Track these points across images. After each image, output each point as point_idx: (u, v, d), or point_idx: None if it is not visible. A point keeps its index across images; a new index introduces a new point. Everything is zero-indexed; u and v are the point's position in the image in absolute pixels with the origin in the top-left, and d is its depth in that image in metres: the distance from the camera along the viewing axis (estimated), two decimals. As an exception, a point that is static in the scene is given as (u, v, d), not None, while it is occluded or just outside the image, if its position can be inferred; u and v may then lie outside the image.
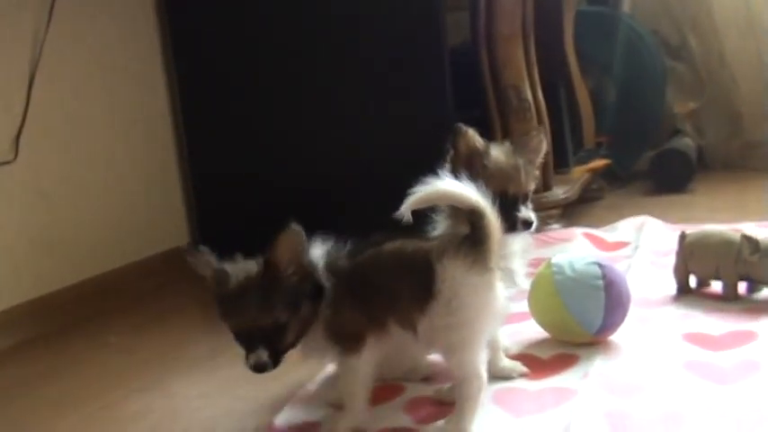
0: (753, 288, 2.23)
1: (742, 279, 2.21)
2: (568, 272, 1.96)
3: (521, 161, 1.90)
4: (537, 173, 1.97)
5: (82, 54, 2.99)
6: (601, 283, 1.94)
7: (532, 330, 2.06)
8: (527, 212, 1.89)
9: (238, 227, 3.30)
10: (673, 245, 2.61)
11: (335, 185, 3.11)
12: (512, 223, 1.87)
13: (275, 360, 1.53)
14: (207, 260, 1.58)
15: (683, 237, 2.32)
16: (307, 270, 1.55)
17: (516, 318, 2.15)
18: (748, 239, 2.14)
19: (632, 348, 1.94)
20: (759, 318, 2.05)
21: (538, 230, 3.01)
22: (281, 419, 1.75)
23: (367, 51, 3.09)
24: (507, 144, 1.94)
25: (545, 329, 2.04)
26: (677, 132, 4.46)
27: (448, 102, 3.01)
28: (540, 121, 3.19)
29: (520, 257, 1.93)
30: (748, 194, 3.77)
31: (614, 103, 4.37)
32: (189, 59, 3.34)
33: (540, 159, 1.97)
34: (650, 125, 4.44)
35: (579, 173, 3.68)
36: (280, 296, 1.52)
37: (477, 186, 1.72)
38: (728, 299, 2.20)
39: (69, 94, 2.93)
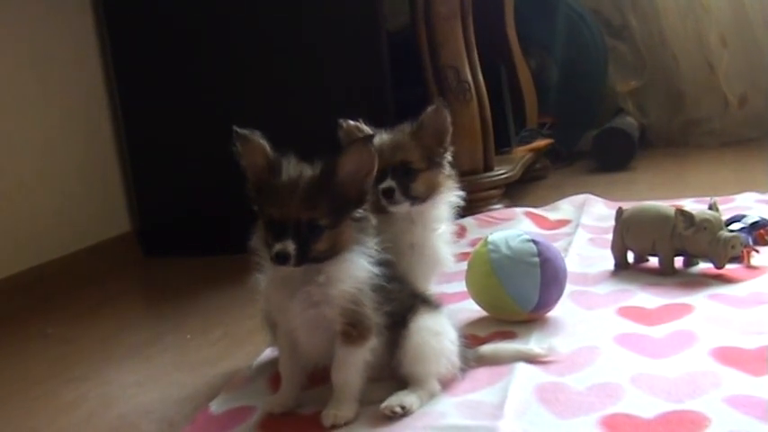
0: (689, 262, 2.25)
1: (678, 253, 2.22)
2: (504, 250, 1.96)
3: (398, 135, 1.89)
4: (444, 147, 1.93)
5: (14, 44, 2.92)
6: (536, 260, 1.94)
7: (470, 310, 2.06)
8: (387, 181, 1.85)
9: (180, 213, 3.27)
10: (612, 222, 2.64)
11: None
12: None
13: (299, 258, 1.45)
14: (260, 145, 1.51)
15: (619, 213, 2.33)
16: (363, 194, 1.52)
17: (455, 297, 2.16)
18: (683, 214, 2.16)
19: (567, 324, 1.94)
20: (694, 291, 2.07)
21: (480, 210, 3.07)
22: (217, 405, 1.72)
23: (305, 32, 3.06)
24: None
25: (482, 308, 2.04)
26: (619, 111, 4.50)
27: (386, 81, 2.99)
28: (479, 102, 3.18)
29: (443, 234, 1.96)
30: (688, 171, 3.81)
31: (556, 83, 4.40)
32: (126, 45, 3.28)
33: (447, 133, 1.93)
34: (592, 104, 4.48)
35: (522, 152, 3.70)
36: (327, 199, 1.47)
37: None
38: (665, 273, 2.22)
39: (2, 83, 2.85)
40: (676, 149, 4.36)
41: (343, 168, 1.49)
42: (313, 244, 1.47)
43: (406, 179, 1.86)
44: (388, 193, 1.84)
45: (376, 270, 1.55)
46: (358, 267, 1.53)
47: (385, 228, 1.72)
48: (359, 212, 1.53)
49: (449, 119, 1.91)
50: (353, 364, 1.55)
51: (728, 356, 1.65)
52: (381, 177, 1.82)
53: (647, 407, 1.48)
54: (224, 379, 1.86)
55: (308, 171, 1.51)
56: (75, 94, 3.19)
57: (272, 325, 1.73)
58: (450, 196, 1.95)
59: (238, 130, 1.52)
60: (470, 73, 3.18)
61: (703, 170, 3.78)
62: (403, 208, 1.87)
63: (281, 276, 1.53)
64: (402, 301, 1.61)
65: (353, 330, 1.53)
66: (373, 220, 1.59)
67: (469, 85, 3.15)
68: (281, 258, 1.45)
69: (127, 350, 2.20)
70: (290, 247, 1.45)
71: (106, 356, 2.17)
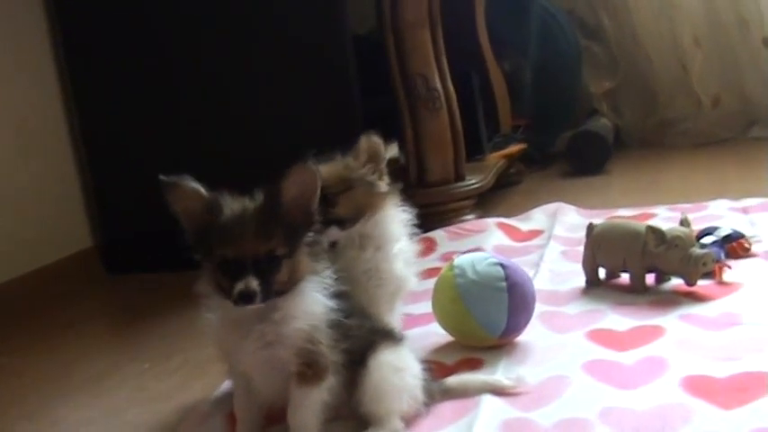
0: (660, 279, 2.20)
1: (649, 270, 2.18)
2: (470, 274, 1.90)
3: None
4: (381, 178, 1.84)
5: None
6: (504, 284, 1.88)
7: (437, 334, 2.00)
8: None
9: (144, 227, 3.17)
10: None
11: (240, 179, 2.99)
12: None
13: (265, 293, 1.39)
14: (191, 189, 1.44)
15: (590, 229, 2.28)
16: (310, 217, 1.46)
17: (421, 320, 2.10)
18: (653, 231, 2.11)
19: (536, 350, 1.89)
20: (665, 311, 2.02)
21: (450, 222, 3.01)
22: (170, 446, 1.66)
23: (269, 41, 2.98)
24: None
25: (449, 333, 1.98)
26: (594, 112, 4.46)
27: (353, 90, 2.92)
28: (449, 110, 3.12)
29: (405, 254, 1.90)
30: (662, 175, 3.77)
31: (530, 86, 4.34)
32: (83, 55, 3.18)
33: (381, 164, 1.83)
34: (567, 105, 4.43)
35: (495, 159, 3.64)
36: (279, 227, 1.42)
37: None
38: (636, 291, 2.17)
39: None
40: (650, 150, 4.32)
41: (287, 193, 1.43)
42: (274, 276, 1.41)
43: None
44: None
45: (332, 304, 1.49)
46: (314, 302, 1.48)
47: (335, 258, 1.68)
48: (310, 236, 1.48)
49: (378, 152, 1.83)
50: (310, 406, 1.48)
51: (699, 387, 1.60)
52: None
53: (615, 445, 1.43)
54: (180, 416, 1.80)
55: (250, 203, 1.45)
56: (29, 104, 3.10)
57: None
58: (398, 213, 1.89)
59: (165, 178, 1.45)
60: (440, 80, 3.11)
61: (677, 174, 3.73)
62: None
63: (234, 316, 1.46)
64: (361, 337, 1.55)
65: (309, 370, 1.47)
66: (325, 244, 1.53)
67: (439, 93, 3.08)
68: (245, 298, 1.38)
69: (82, 383, 2.12)
70: (254, 283, 1.38)
71: (60, 390, 2.09)
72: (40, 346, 2.47)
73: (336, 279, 1.52)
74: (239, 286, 1.38)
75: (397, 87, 3.09)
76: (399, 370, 1.56)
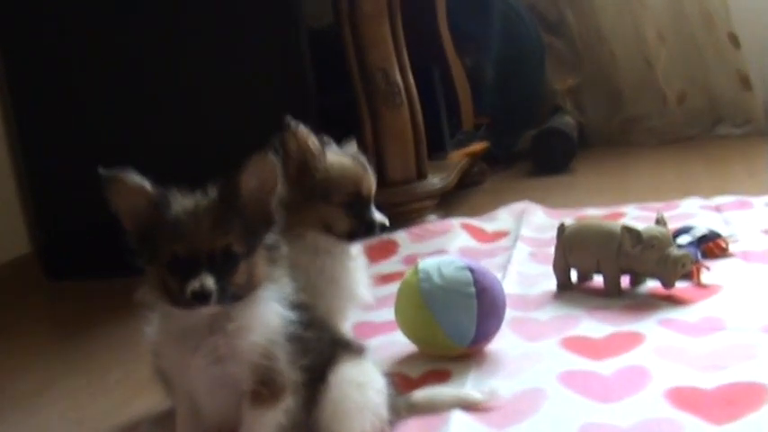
0: (636, 281, 2.09)
1: (624, 272, 2.06)
2: (436, 279, 1.75)
3: (363, 158, 1.73)
4: None
5: None
6: (472, 290, 1.74)
7: (400, 344, 1.85)
8: (380, 215, 1.72)
9: (87, 229, 2.99)
10: (554, 232, 2.47)
11: (187, 176, 2.83)
12: (370, 227, 1.70)
13: (221, 293, 1.23)
14: (135, 184, 1.28)
15: (561, 229, 2.16)
16: (269, 215, 1.32)
17: (382, 329, 1.95)
18: (629, 231, 1.99)
19: (508, 360, 1.75)
20: (643, 316, 1.90)
21: (412, 223, 2.88)
22: (108, 472, 1.49)
23: (220, 33, 2.82)
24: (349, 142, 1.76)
25: (413, 343, 1.84)
26: (557, 110, 4.35)
27: (308, 86, 2.77)
28: (411, 105, 2.98)
29: (362, 266, 1.77)
30: (629, 173, 3.68)
31: (492, 82, 4.21)
32: (18, 45, 2.98)
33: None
34: (530, 103, 4.32)
35: (458, 157, 3.50)
36: (237, 222, 1.26)
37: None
38: (611, 294, 2.05)
39: None
40: (616, 149, 4.23)
41: (245, 186, 1.29)
42: (231, 277, 1.26)
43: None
44: (386, 229, 1.73)
45: (291, 315, 1.34)
46: (272, 313, 1.33)
47: (299, 263, 1.53)
48: (270, 238, 1.33)
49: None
50: (264, 429, 1.33)
51: (685, 399, 1.48)
52: (366, 202, 1.71)
53: (599, 468, 1.30)
54: (118, 436, 1.62)
55: (203, 199, 1.29)
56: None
57: (164, 378, 1.50)
58: None
59: (105, 172, 1.28)
60: (400, 75, 2.97)
61: (645, 172, 3.64)
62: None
63: (180, 328, 1.30)
64: (321, 351, 1.40)
65: (264, 390, 1.31)
66: (284, 250, 1.39)
67: (400, 89, 2.94)
68: (200, 298, 1.22)
69: (11, 401, 1.93)
70: (209, 281, 1.22)
71: (-9, 407, 1.92)
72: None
73: (294, 288, 1.38)
74: (193, 284, 1.22)
75: (356, 82, 2.94)
76: (361, 385, 1.41)
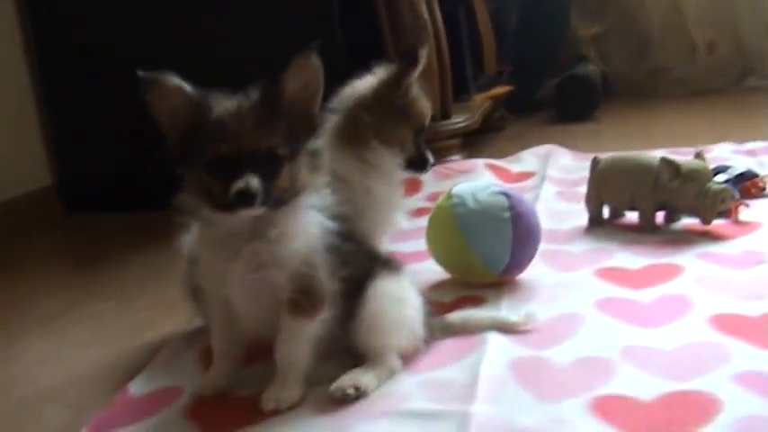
0: (671, 218, 2.04)
1: (660, 208, 2.01)
2: (471, 203, 1.71)
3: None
4: None
5: None
6: (507, 215, 1.69)
7: (431, 271, 1.81)
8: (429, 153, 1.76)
9: (106, 164, 2.97)
10: (581, 173, 2.43)
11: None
12: (424, 161, 1.75)
13: (265, 196, 1.19)
14: (175, 86, 1.24)
15: (595, 163, 2.10)
16: (313, 118, 1.28)
17: (412, 257, 1.91)
18: (668, 164, 1.94)
19: (542, 288, 1.71)
20: (680, 249, 1.86)
21: (437, 162, 2.83)
22: (138, 386, 1.46)
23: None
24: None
25: (446, 270, 1.80)
26: (582, 58, 4.27)
27: (335, 20, 2.69)
28: (437, 41, 2.91)
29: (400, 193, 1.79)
30: (655, 121, 3.61)
31: (516, 28, 4.14)
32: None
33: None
34: (553, 50, 4.23)
35: (481, 100, 3.44)
36: (280, 125, 1.23)
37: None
38: (645, 229, 2.00)
39: None
40: (641, 99, 4.15)
41: (289, 86, 1.24)
42: (275, 179, 1.22)
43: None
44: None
45: (332, 226, 1.31)
46: (313, 221, 1.29)
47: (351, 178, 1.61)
48: (312, 143, 1.29)
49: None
50: (301, 340, 1.30)
51: (730, 325, 1.44)
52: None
53: (645, 387, 1.26)
54: (148, 354, 1.59)
55: (246, 100, 1.24)
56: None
57: (195, 295, 1.47)
58: None
59: (143, 74, 1.23)
60: (428, 10, 2.90)
61: (672, 121, 3.58)
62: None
63: (220, 234, 1.27)
64: (359, 263, 1.36)
65: (304, 299, 1.27)
66: (327, 157, 1.35)
67: (426, 23, 2.87)
68: (244, 198, 1.18)
69: (39, 319, 1.91)
70: (254, 181, 1.18)
71: (12, 328, 1.88)
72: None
73: (336, 199, 1.34)
74: (238, 185, 1.18)
75: (382, 17, 2.87)
76: (399, 301, 1.38)
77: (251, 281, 1.26)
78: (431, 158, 1.75)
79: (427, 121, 1.74)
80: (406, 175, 1.76)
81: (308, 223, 1.28)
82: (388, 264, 1.43)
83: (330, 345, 1.35)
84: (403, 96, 1.66)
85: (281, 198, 1.23)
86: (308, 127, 1.28)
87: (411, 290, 1.42)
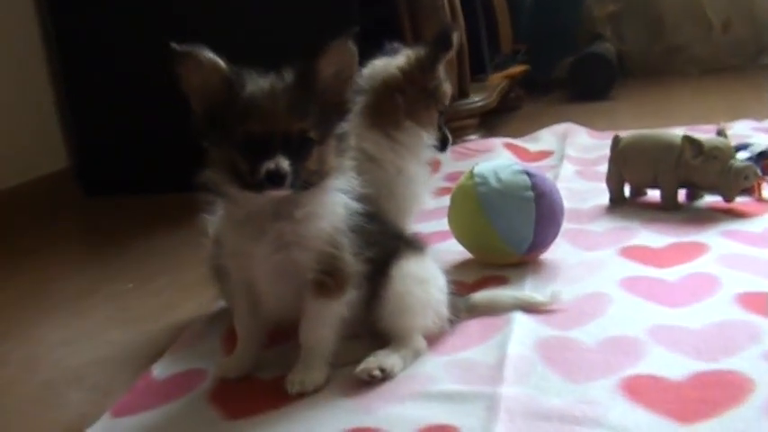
0: (693, 195, 2.02)
1: (682, 186, 1.99)
2: (493, 182, 1.69)
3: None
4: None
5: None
6: (530, 194, 1.68)
7: (453, 251, 1.80)
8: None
9: (123, 147, 2.96)
10: (600, 152, 2.41)
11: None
12: (445, 141, 1.74)
13: (295, 177, 1.18)
14: (209, 61, 1.22)
15: (616, 141, 2.08)
16: (345, 103, 1.27)
17: (434, 237, 1.90)
18: (691, 141, 1.92)
19: (566, 268, 1.70)
20: (704, 227, 1.84)
21: (454, 141, 2.82)
22: (161, 368, 1.45)
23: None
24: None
25: (468, 249, 1.78)
26: (597, 37, 4.23)
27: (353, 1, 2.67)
28: (454, 21, 2.88)
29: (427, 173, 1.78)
30: (672, 99, 3.58)
31: (532, 7, 4.10)
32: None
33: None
34: (569, 29, 4.20)
35: (497, 79, 3.42)
36: (313, 108, 1.22)
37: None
38: (667, 208, 1.98)
39: None
40: (656, 77, 4.12)
41: (324, 70, 1.23)
42: (304, 161, 1.20)
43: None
44: None
45: (357, 207, 1.29)
46: (338, 202, 1.28)
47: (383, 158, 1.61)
48: (341, 127, 1.28)
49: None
50: (327, 321, 1.29)
51: (759, 304, 1.42)
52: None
53: (675, 366, 1.25)
54: (169, 337, 1.59)
55: (280, 80, 1.23)
56: (1, 15, 2.82)
57: (219, 276, 1.46)
58: None
59: (177, 47, 1.21)
60: (444, -10, 2.87)
61: (689, 99, 3.55)
62: None
63: (245, 214, 1.25)
64: (384, 244, 1.35)
65: (329, 280, 1.26)
66: (355, 137, 1.35)
67: (443, 3, 2.84)
68: (274, 179, 1.17)
69: (58, 302, 1.91)
70: (285, 163, 1.17)
71: (34, 310, 1.88)
72: (12, 265, 2.26)
73: (361, 181, 1.32)
74: (268, 165, 1.16)
75: (399, -3, 2.84)
76: (423, 281, 1.37)
77: (275, 261, 1.25)
78: (450, 138, 1.75)
79: (449, 101, 1.73)
80: (431, 154, 1.75)
81: (334, 204, 1.27)
82: (413, 244, 1.42)
83: (355, 326, 1.34)
84: (434, 79, 1.66)
85: (308, 180, 1.22)
86: (340, 111, 1.26)
87: (435, 270, 1.41)
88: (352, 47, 1.23)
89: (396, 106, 1.62)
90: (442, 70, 1.68)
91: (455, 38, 1.67)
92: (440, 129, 1.70)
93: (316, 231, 1.24)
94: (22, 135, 2.85)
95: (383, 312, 1.33)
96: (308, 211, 1.24)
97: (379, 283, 1.33)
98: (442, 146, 1.73)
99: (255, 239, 1.24)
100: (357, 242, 1.28)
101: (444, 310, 1.40)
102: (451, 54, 1.70)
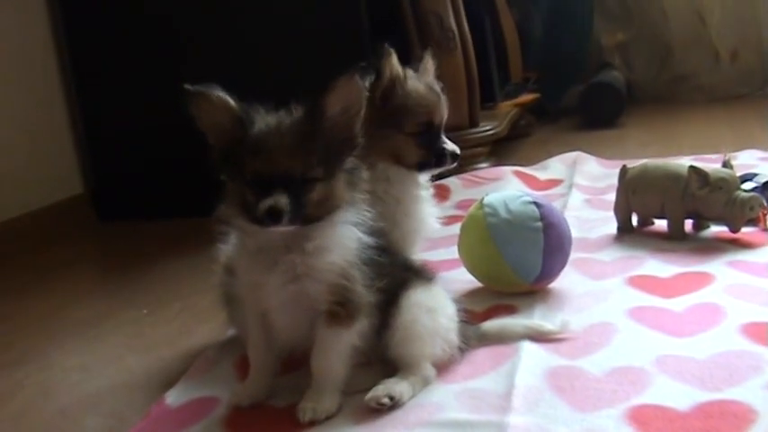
0: (699, 225, 2.04)
1: (689, 215, 2.01)
2: (503, 213, 1.72)
3: (438, 86, 1.69)
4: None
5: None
6: (539, 224, 1.71)
7: (462, 280, 1.83)
8: (452, 144, 1.69)
9: (138, 173, 3.00)
10: (609, 181, 2.44)
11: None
12: (440, 157, 1.68)
13: (294, 214, 1.21)
14: (220, 100, 1.26)
15: (623, 172, 2.11)
16: (353, 138, 1.29)
17: (443, 265, 1.92)
18: (697, 172, 1.94)
19: (573, 297, 1.72)
20: (710, 257, 1.86)
21: (464, 169, 2.85)
22: (175, 396, 1.47)
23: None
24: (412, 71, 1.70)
25: (477, 278, 1.81)
26: (606, 65, 4.27)
27: (363, 30, 2.72)
28: (465, 51, 2.93)
29: (430, 197, 1.76)
30: (679, 128, 3.61)
31: (540, 36, 4.15)
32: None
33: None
34: (578, 58, 4.24)
35: (507, 107, 3.46)
36: (319, 145, 1.24)
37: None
38: (675, 238, 2.01)
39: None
40: (664, 105, 4.16)
41: (331, 107, 1.26)
42: (306, 197, 1.24)
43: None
44: (457, 158, 1.71)
45: (368, 240, 1.32)
46: (349, 235, 1.31)
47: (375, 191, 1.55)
48: (350, 162, 1.31)
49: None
50: (338, 350, 1.31)
51: (762, 334, 1.44)
52: (438, 132, 1.69)
53: (680, 396, 1.27)
54: (183, 363, 1.62)
55: (287, 118, 1.27)
56: (18, 40, 2.88)
57: (229, 302, 1.50)
58: None
59: (190, 87, 1.25)
60: (455, 20, 2.92)
61: (696, 127, 3.58)
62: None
63: (258, 245, 1.29)
64: (394, 275, 1.37)
65: (341, 310, 1.29)
66: (365, 174, 1.38)
67: (454, 34, 2.89)
68: (272, 216, 1.20)
69: (73, 328, 1.94)
70: (283, 201, 1.20)
71: (49, 335, 1.91)
72: (28, 291, 2.29)
73: (372, 213, 1.35)
74: (267, 202, 1.20)
75: (410, 26, 2.89)
76: (432, 311, 1.39)
77: (288, 292, 1.28)
78: (451, 150, 1.68)
79: (436, 116, 1.68)
80: (426, 176, 1.73)
81: (345, 237, 1.30)
82: (421, 273, 1.44)
83: (367, 354, 1.37)
84: (392, 104, 1.63)
85: (314, 214, 1.25)
86: (348, 146, 1.29)
87: (444, 299, 1.44)
88: (360, 83, 1.26)
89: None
90: (412, 90, 1.64)
91: (388, 47, 1.62)
92: (428, 147, 1.66)
93: (326, 264, 1.27)
94: (38, 161, 2.90)
95: (392, 341, 1.36)
96: (319, 244, 1.27)
97: (389, 313, 1.36)
98: (438, 162, 1.68)
99: (268, 270, 1.28)
100: (368, 274, 1.31)
101: (454, 338, 1.42)
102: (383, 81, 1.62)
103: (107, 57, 2.98)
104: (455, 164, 1.71)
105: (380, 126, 1.62)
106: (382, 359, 1.38)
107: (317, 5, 2.77)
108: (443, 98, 1.70)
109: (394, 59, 1.63)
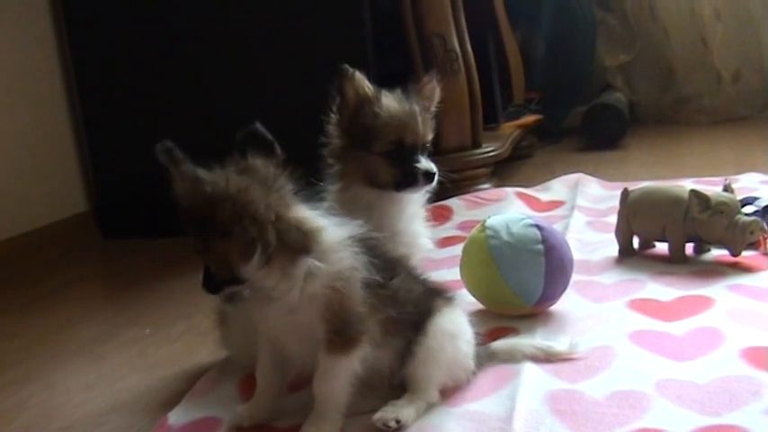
0: (700, 249, 2.06)
1: (690, 239, 2.03)
2: (504, 236, 1.74)
3: (417, 107, 1.67)
4: (433, 122, 1.74)
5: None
6: (541, 247, 1.72)
7: (464, 301, 1.82)
8: (427, 163, 1.66)
9: (142, 191, 3.00)
10: (611, 203, 2.45)
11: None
12: (412, 177, 1.66)
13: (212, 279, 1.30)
14: (189, 172, 1.33)
15: (625, 195, 2.12)
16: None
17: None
18: (698, 196, 1.96)
19: (575, 320, 1.74)
20: (711, 281, 1.87)
21: (467, 190, 2.86)
22: (177, 416, 1.49)
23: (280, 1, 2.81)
24: (399, 91, 1.69)
25: (478, 300, 1.82)
26: (608, 87, 4.30)
27: (368, 52, 2.74)
28: (468, 73, 2.95)
29: (419, 217, 1.74)
30: (682, 149, 3.63)
31: (543, 57, 4.17)
32: (80, 11, 2.99)
33: (434, 107, 1.76)
34: (580, 79, 4.27)
35: (509, 129, 3.48)
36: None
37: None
38: (676, 261, 2.02)
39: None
40: (666, 127, 4.18)
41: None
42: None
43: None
44: (431, 178, 1.68)
45: (367, 265, 1.32)
46: (345, 262, 1.30)
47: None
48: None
49: (438, 95, 1.76)
50: (337, 377, 1.32)
51: (762, 359, 1.45)
52: (411, 151, 1.66)
53: (680, 421, 1.28)
54: (185, 383, 1.63)
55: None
56: (22, 58, 2.92)
57: (223, 323, 1.56)
58: None
59: (163, 145, 1.31)
60: (458, 42, 2.94)
61: (698, 149, 3.59)
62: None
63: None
64: (416, 303, 1.38)
65: (337, 338, 1.30)
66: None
67: (457, 55, 2.92)
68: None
69: (77, 347, 1.95)
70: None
71: (52, 355, 1.93)
72: (31, 309, 2.31)
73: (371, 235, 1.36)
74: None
75: (414, 48, 2.92)
76: (455, 337, 1.41)
77: (286, 323, 1.31)
78: (421, 169, 1.65)
79: (407, 135, 1.65)
80: (413, 195, 1.72)
81: (339, 264, 1.29)
82: (444, 294, 1.46)
83: (383, 378, 1.39)
84: (362, 125, 1.63)
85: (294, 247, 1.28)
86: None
87: (465, 322, 1.46)
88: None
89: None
90: (383, 110, 1.63)
91: (345, 67, 1.63)
92: (401, 167, 1.65)
93: (319, 292, 1.28)
94: (42, 179, 2.92)
95: (411, 362, 1.37)
96: (311, 273, 1.27)
97: (411, 340, 1.37)
98: (410, 182, 1.66)
99: (267, 303, 1.29)
100: (371, 301, 1.31)
101: (471, 364, 1.44)
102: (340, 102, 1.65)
103: (112, 75, 3.00)
104: (431, 183, 1.68)
105: (350, 147, 1.64)
106: (390, 382, 1.40)
107: (322, 30, 2.79)
108: (420, 116, 1.67)
109: (358, 80, 1.63)
